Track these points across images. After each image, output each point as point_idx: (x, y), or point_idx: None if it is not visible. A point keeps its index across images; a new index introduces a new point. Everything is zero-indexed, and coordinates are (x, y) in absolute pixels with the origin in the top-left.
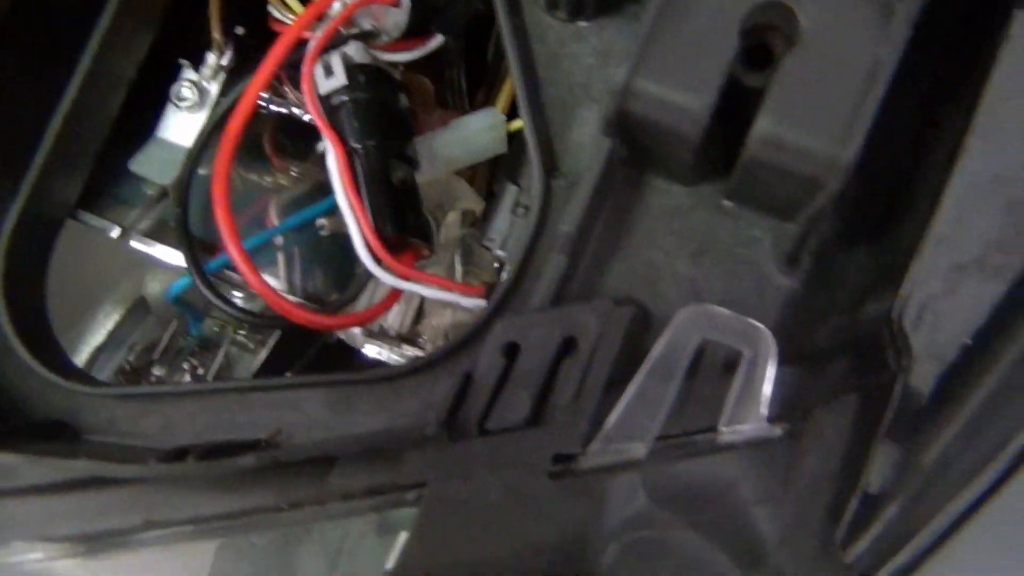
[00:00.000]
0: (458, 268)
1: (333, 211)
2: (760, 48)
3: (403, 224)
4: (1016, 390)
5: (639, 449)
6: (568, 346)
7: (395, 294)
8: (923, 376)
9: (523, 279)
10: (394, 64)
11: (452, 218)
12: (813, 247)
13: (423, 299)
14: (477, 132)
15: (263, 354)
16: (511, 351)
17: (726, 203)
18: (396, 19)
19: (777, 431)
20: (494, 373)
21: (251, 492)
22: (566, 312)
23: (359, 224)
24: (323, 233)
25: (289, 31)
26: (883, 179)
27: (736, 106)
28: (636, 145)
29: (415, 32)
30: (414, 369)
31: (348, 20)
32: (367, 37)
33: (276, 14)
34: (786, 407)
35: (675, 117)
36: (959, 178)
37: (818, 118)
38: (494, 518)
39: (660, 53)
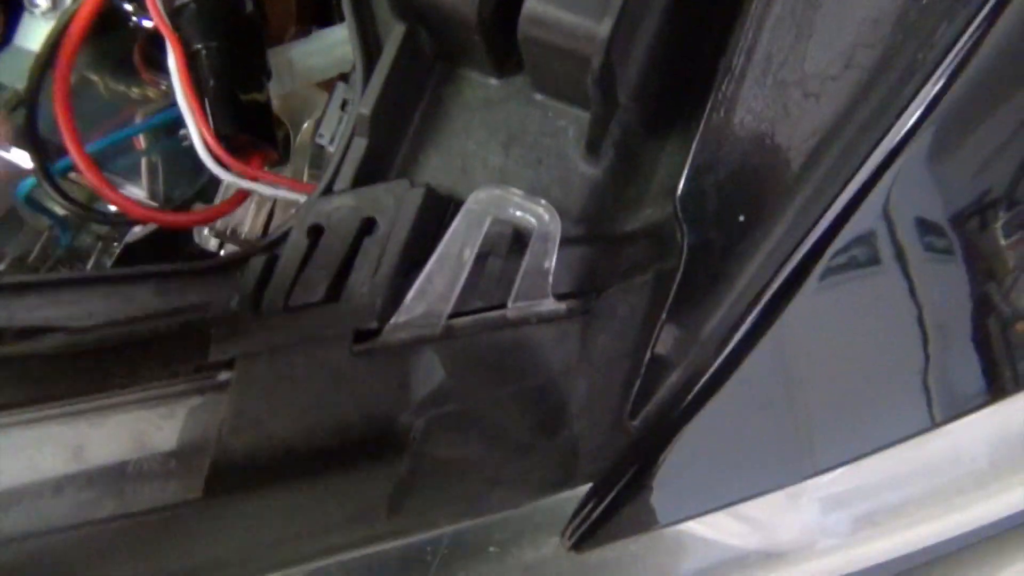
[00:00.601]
0: (306, 171)
1: None
2: None
3: (247, 125)
4: (777, 259)
5: (435, 325)
6: (369, 226)
7: (239, 195)
8: (695, 251)
9: (341, 169)
10: None
11: (307, 126)
12: (616, 137)
13: (275, 201)
14: (337, 43)
15: (115, 253)
16: (315, 232)
17: (537, 96)
18: None
19: (563, 307)
20: (298, 253)
21: (65, 377)
22: (365, 193)
23: (196, 124)
24: (185, 143)
25: None
26: (689, 70)
27: None
28: (435, 34)
29: None
30: (241, 257)
31: None
32: None
33: None
34: (582, 285)
35: None
36: (735, 59)
37: None
38: (302, 393)
39: None
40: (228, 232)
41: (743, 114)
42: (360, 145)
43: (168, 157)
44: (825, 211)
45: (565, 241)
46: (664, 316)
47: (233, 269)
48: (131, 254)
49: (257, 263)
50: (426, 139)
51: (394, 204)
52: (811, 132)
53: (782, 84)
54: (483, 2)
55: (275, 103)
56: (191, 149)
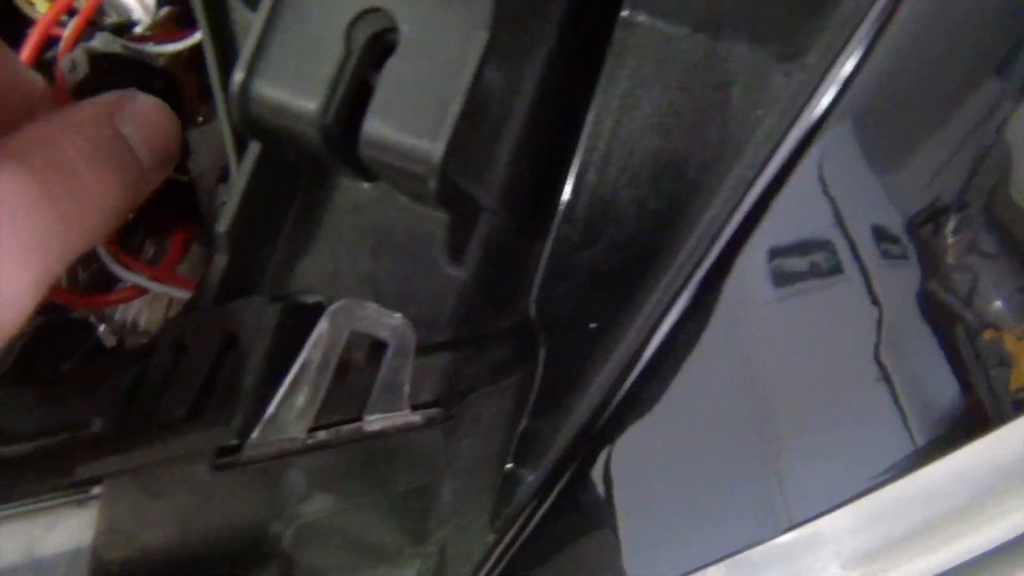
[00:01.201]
0: None
1: None
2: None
3: (167, 204)
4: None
5: (296, 439)
6: (231, 342)
7: (133, 288)
8: (551, 357)
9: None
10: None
11: None
12: (483, 238)
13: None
14: None
15: (20, 343)
16: (178, 349)
17: (403, 199)
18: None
19: (418, 418)
20: (162, 371)
21: None
22: (225, 310)
23: None
24: None
25: (36, 30)
26: (558, 170)
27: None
28: (292, 150)
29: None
30: (115, 366)
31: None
32: (122, 29)
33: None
34: (446, 391)
35: (293, 121)
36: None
37: (412, 118)
38: (169, 509)
39: (273, 56)
40: (128, 323)
41: (588, 224)
42: (220, 263)
43: None
44: (663, 316)
45: (430, 347)
46: (523, 422)
47: (112, 379)
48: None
49: (125, 379)
50: (299, 245)
51: (253, 320)
52: (649, 242)
53: (619, 194)
54: (327, 126)
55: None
56: None
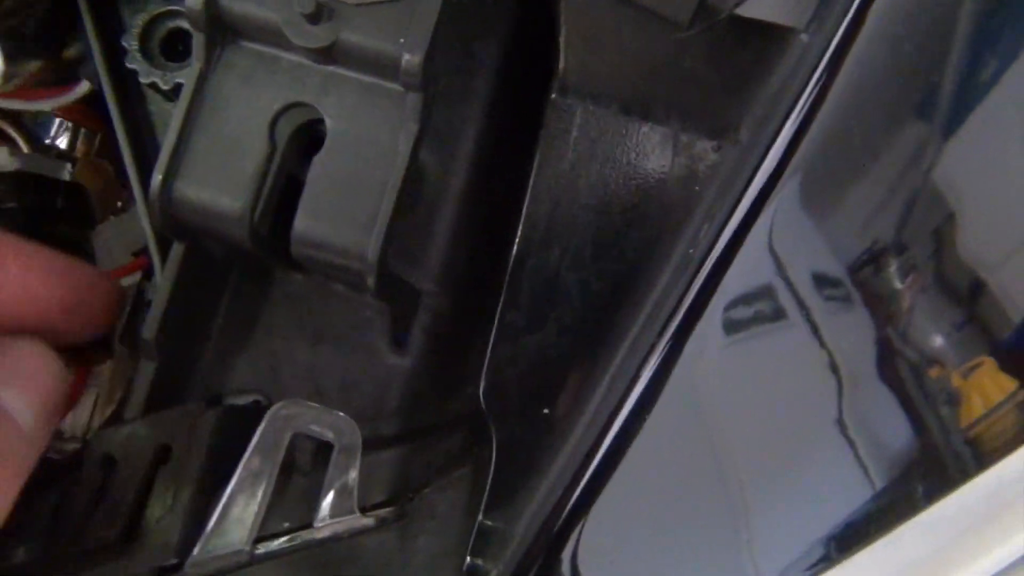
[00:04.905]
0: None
1: None
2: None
3: None
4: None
5: (241, 552)
6: (165, 454)
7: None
8: (504, 446)
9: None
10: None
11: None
12: (425, 324)
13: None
14: None
15: None
16: (108, 464)
17: (338, 287)
18: None
19: (370, 521)
20: (90, 488)
21: None
22: (157, 420)
23: None
24: None
25: None
26: (495, 251)
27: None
28: (219, 247)
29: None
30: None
31: None
32: None
33: None
34: (397, 489)
35: (218, 221)
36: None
37: (344, 214)
38: None
39: (194, 155)
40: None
41: (533, 308)
42: (148, 369)
43: None
44: (622, 402)
45: (378, 443)
46: (479, 515)
47: (33, 499)
48: None
49: (50, 499)
50: (232, 342)
51: (186, 430)
52: (596, 322)
53: (563, 276)
54: (255, 225)
55: None
56: None
